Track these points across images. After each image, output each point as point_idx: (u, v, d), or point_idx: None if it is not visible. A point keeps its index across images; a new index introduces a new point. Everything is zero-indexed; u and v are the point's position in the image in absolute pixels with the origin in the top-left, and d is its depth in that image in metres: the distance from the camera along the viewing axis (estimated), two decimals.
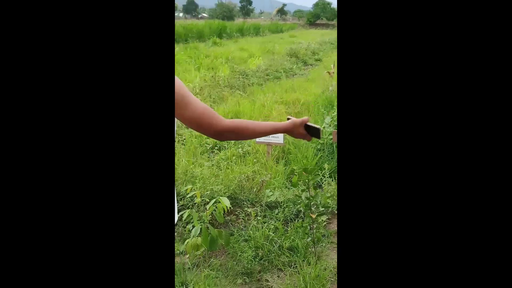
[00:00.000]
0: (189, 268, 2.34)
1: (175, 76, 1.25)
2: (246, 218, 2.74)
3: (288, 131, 1.38)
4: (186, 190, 2.60)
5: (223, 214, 2.76)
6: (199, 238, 2.44)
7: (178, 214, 2.56)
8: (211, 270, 2.30)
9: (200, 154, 3.82)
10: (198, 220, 2.46)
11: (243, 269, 2.29)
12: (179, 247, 2.52)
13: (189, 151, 3.80)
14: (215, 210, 2.61)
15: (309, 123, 1.38)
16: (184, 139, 4.17)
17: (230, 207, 2.70)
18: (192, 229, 2.42)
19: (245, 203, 2.88)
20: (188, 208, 2.76)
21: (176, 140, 4.11)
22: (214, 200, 2.54)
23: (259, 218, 2.68)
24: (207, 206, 2.52)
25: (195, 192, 2.55)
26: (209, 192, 2.88)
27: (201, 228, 2.40)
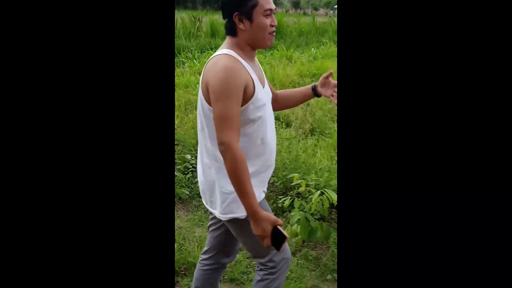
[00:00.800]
0: None
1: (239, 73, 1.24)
2: None
3: (256, 219, 1.18)
4: (294, 177, 2.61)
5: (330, 208, 2.68)
6: (299, 226, 2.43)
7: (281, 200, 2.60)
8: (304, 260, 2.28)
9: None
10: (299, 209, 2.45)
11: (336, 266, 2.20)
12: None
13: (329, 145, 3.80)
14: (322, 204, 2.55)
15: (280, 228, 1.20)
16: (329, 133, 4.17)
17: (335, 202, 2.61)
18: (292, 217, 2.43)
19: None
20: (298, 197, 2.77)
21: (320, 133, 4.15)
22: (320, 191, 2.48)
23: None
24: (313, 197, 2.48)
25: (301, 181, 2.54)
26: (322, 184, 2.83)
27: (299, 218, 2.38)
